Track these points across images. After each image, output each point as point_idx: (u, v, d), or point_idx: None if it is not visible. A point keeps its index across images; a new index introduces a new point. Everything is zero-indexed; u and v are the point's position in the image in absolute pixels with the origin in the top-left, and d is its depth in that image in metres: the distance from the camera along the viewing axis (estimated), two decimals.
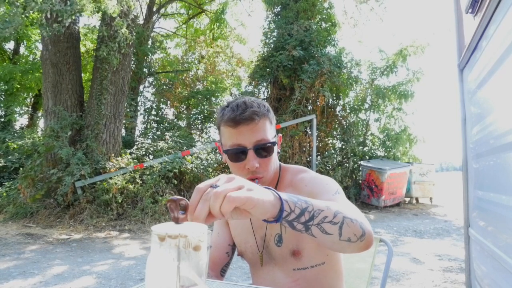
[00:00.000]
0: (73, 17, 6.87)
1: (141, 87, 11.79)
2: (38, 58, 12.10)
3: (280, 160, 1.16)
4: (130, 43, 7.61)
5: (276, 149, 1.03)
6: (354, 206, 0.89)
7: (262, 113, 1.00)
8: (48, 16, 5.82)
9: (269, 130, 1.01)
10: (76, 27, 7.77)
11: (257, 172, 0.99)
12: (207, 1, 12.89)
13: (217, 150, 8.43)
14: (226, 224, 1.21)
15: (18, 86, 12.12)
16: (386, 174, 9.17)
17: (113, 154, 7.50)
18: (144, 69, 11.57)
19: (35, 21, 6.98)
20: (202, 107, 12.02)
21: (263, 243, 1.10)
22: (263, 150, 0.99)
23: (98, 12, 6.62)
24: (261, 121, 0.99)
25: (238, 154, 0.99)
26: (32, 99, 13.76)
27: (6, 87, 11.81)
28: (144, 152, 8.15)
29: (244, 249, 1.15)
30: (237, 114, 0.98)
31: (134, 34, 7.74)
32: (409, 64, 10.98)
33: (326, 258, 1.06)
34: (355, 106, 11.46)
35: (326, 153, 10.35)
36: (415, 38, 10.94)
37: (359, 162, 10.43)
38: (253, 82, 10.94)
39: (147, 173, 7.17)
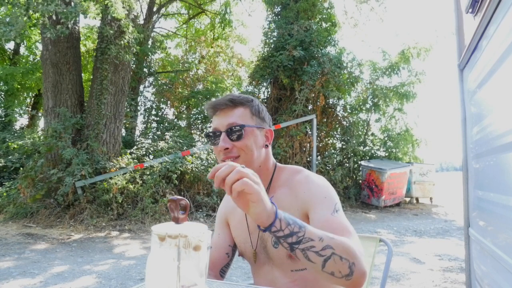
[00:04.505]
0: (77, 19, 6.89)
1: (141, 87, 11.79)
2: (38, 58, 12.10)
3: (280, 160, 1.17)
4: (135, 42, 7.66)
5: (257, 136, 1.06)
6: (351, 233, 0.90)
7: (239, 101, 1.06)
8: (54, 18, 5.83)
9: (245, 118, 1.05)
10: (76, 27, 7.77)
11: (230, 152, 1.02)
12: (207, 1, 12.89)
13: None
14: (227, 225, 1.22)
15: (18, 86, 12.12)
16: (386, 174, 9.17)
17: (113, 154, 7.50)
18: (144, 69, 11.56)
19: (34, 21, 6.98)
20: (202, 107, 12.02)
21: (261, 242, 1.10)
22: (234, 132, 1.01)
23: (104, 14, 6.63)
24: (237, 108, 1.05)
25: (214, 137, 1.04)
26: (32, 99, 13.76)
27: (6, 87, 11.81)
28: (144, 152, 8.15)
29: (244, 249, 1.16)
30: (216, 101, 1.06)
31: (138, 33, 7.78)
32: (412, 65, 11.00)
33: None
34: (356, 106, 11.46)
35: (326, 153, 10.35)
36: (417, 40, 10.95)
37: (359, 162, 10.43)
38: (254, 82, 10.94)
39: (147, 173, 7.17)
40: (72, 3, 5.87)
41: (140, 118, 11.67)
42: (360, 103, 11.46)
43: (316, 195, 1.00)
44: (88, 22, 12.49)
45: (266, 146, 1.08)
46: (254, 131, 1.05)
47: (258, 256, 1.12)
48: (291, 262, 1.04)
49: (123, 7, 6.50)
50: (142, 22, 10.19)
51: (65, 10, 5.70)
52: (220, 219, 1.24)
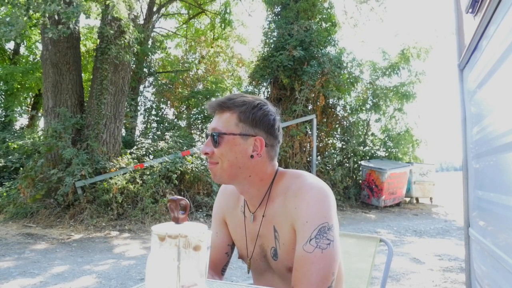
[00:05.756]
0: (78, 19, 6.89)
1: (141, 87, 11.79)
2: (38, 58, 12.10)
3: (280, 160, 1.14)
4: (135, 42, 7.66)
5: (239, 145, 0.99)
6: (306, 277, 0.90)
7: (227, 106, 1.01)
8: (56, 18, 5.83)
9: (229, 124, 1.00)
10: (77, 27, 7.77)
11: (211, 158, 1.01)
12: (207, 1, 12.89)
13: None
14: (224, 224, 1.19)
15: (18, 86, 12.12)
16: (386, 174, 9.17)
17: (113, 154, 7.50)
18: (144, 69, 11.56)
19: (35, 21, 6.98)
20: (202, 107, 12.02)
21: (260, 251, 1.09)
22: (213, 138, 1.00)
23: (104, 14, 6.62)
24: (224, 112, 1.01)
25: (206, 138, 1.04)
26: (32, 99, 13.76)
27: (6, 87, 11.81)
28: (144, 152, 8.14)
29: (243, 254, 1.15)
30: (211, 103, 1.04)
31: (138, 33, 7.79)
32: (412, 65, 11.01)
33: None
34: (356, 106, 11.47)
35: (326, 153, 10.35)
36: (417, 40, 10.97)
37: (359, 162, 10.44)
38: (254, 82, 10.94)
39: (147, 173, 7.17)
40: (74, 3, 5.87)
41: (140, 118, 11.68)
42: (360, 103, 11.46)
43: (301, 217, 0.95)
44: (88, 22, 12.48)
45: (252, 156, 1.00)
46: (234, 139, 0.99)
47: (255, 264, 1.12)
48: (291, 274, 1.01)
49: (128, 9, 6.52)
50: (142, 22, 10.19)
51: (66, 10, 5.69)
52: (217, 217, 1.20)
